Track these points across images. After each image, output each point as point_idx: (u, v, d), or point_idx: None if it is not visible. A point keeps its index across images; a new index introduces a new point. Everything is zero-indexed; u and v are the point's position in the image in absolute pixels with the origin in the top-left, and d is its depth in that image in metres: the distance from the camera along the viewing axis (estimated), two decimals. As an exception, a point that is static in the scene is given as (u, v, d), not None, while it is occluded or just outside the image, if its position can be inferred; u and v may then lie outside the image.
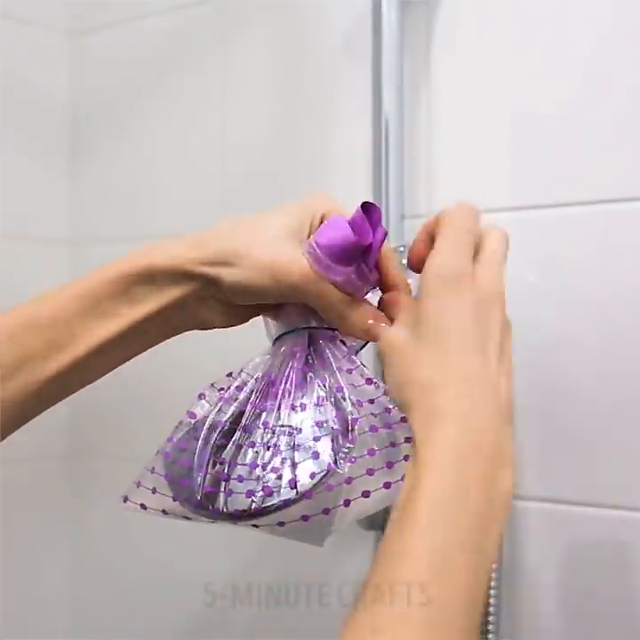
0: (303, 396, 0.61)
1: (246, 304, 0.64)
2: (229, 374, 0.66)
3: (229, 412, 0.64)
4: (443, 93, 0.99)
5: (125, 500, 0.64)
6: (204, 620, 1.13)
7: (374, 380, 0.62)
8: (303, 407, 0.61)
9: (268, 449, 0.60)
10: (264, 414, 0.62)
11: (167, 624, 1.16)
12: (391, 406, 0.61)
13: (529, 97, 0.94)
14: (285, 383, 0.62)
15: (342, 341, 0.65)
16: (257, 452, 0.60)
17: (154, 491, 0.64)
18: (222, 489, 0.60)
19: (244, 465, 0.60)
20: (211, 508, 0.60)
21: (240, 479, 0.60)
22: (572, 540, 0.91)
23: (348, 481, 0.58)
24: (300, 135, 1.10)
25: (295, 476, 0.58)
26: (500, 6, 0.96)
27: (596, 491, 0.90)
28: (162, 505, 0.63)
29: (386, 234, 0.63)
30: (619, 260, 0.90)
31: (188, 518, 0.63)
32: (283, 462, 0.59)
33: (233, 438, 0.62)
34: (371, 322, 0.62)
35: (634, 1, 0.89)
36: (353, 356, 0.64)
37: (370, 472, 0.58)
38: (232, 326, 0.66)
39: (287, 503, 0.58)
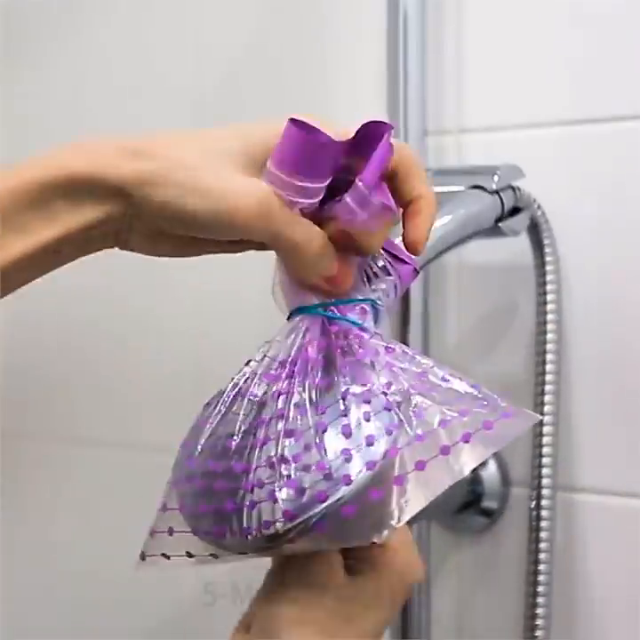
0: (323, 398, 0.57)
1: (179, 234, 0.59)
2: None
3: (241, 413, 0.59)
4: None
5: (143, 557, 0.61)
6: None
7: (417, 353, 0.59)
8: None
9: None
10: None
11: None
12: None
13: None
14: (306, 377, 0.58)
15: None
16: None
17: (170, 532, 0.60)
18: (247, 503, 0.55)
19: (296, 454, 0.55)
20: (239, 529, 0.55)
21: (306, 466, 0.54)
22: (637, 538, 0.88)
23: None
24: (293, 33, 1.05)
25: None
26: None
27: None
28: (184, 546, 0.59)
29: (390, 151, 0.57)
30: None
31: (215, 556, 0.59)
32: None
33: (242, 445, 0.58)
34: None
35: None
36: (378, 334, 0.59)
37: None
38: (159, 256, 0.62)
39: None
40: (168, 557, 0.60)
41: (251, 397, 0.59)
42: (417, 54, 0.92)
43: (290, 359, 0.59)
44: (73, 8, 1.19)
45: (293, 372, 0.58)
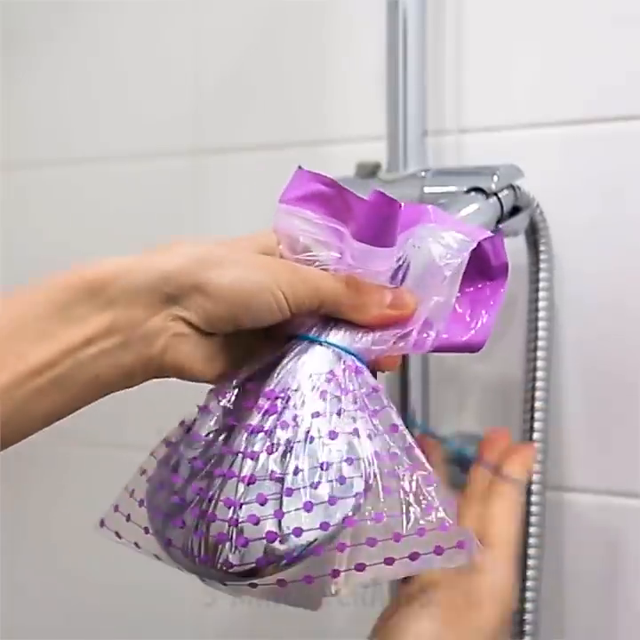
0: (325, 426, 0.56)
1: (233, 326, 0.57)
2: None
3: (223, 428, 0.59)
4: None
5: (102, 524, 0.62)
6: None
7: (400, 428, 0.57)
8: (334, 435, 0.55)
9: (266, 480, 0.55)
10: (277, 434, 0.56)
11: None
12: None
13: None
14: (304, 406, 0.56)
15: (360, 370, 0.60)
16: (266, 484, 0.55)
17: (128, 518, 0.60)
18: (230, 536, 0.54)
19: (251, 502, 0.54)
20: (210, 560, 0.55)
21: (255, 520, 0.53)
22: (625, 537, 0.88)
23: (372, 543, 0.54)
24: (293, 34, 1.04)
25: (300, 524, 0.53)
26: None
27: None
28: (135, 537, 0.60)
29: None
30: None
31: (158, 558, 0.59)
32: (278, 505, 0.54)
33: (225, 465, 0.56)
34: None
35: None
36: (381, 393, 0.59)
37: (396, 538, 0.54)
38: (214, 375, 0.59)
39: (299, 556, 0.53)
40: (120, 537, 0.60)
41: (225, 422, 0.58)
42: (417, 54, 0.90)
43: (283, 393, 0.57)
44: (74, 7, 1.19)
45: (276, 408, 0.57)
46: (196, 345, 0.56)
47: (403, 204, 0.58)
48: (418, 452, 0.57)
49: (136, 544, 0.59)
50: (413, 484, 0.55)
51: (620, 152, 0.86)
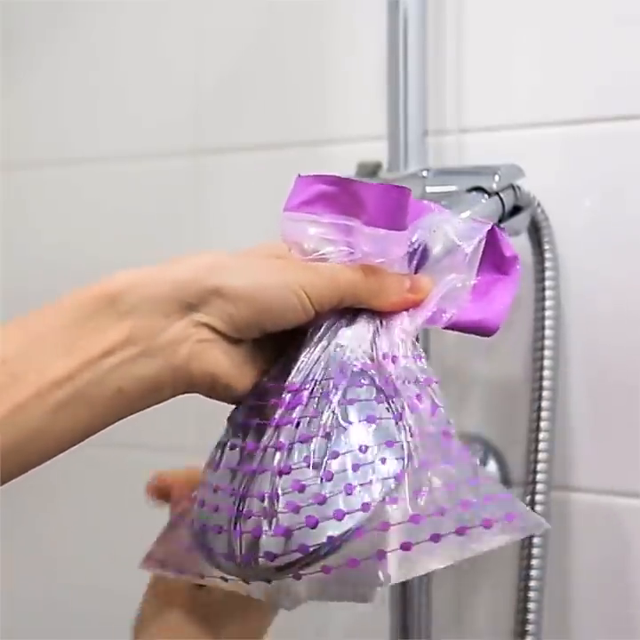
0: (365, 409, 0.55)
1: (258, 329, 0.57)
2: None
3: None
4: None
5: (148, 559, 0.62)
6: None
7: (440, 408, 0.58)
8: (372, 419, 0.55)
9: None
10: (307, 424, 0.55)
11: None
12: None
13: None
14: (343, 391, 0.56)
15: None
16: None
17: (170, 547, 0.61)
18: (270, 527, 0.53)
19: (288, 492, 0.53)
20: (252, 557, 0.53)
21: (294, 507, 0.53)
22: (629, 537, 0.87)
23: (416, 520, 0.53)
24: (293, 33, 1.04)
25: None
26: None
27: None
28: (177, 562, 0.59)
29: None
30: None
31: (202, 577, 0.58)
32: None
33: (257, 459, 0.56)
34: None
35: None
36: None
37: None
38: (246, 384, 0.58)
39: (342, 539, 0.52)
40: (164, 567, 0.60)
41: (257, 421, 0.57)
42: (417, 54, 0.90)
43: (309, 382, 0.57)
44: (74, 7, 1.18)
45: (302, 400, 0.56)
46: (224, 352, 0.55)
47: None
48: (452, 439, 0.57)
49: (179, 570, 0.59)
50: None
51: (620, 152, 0.86)
